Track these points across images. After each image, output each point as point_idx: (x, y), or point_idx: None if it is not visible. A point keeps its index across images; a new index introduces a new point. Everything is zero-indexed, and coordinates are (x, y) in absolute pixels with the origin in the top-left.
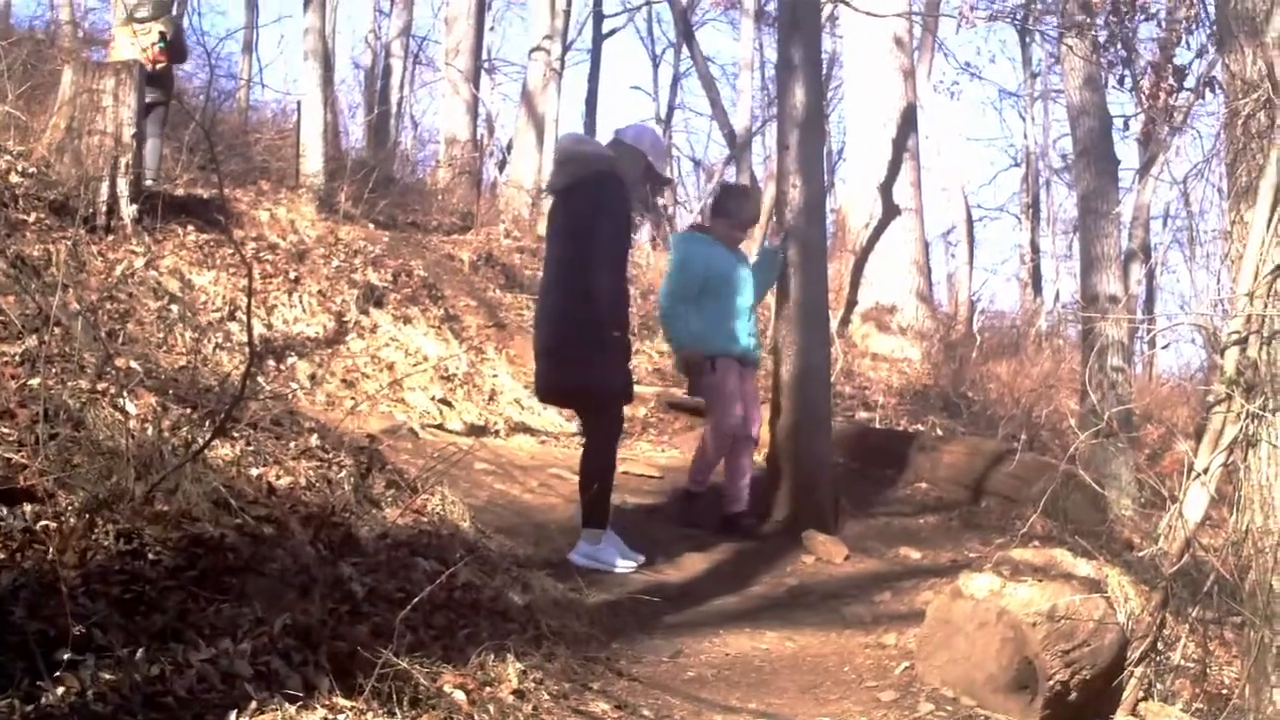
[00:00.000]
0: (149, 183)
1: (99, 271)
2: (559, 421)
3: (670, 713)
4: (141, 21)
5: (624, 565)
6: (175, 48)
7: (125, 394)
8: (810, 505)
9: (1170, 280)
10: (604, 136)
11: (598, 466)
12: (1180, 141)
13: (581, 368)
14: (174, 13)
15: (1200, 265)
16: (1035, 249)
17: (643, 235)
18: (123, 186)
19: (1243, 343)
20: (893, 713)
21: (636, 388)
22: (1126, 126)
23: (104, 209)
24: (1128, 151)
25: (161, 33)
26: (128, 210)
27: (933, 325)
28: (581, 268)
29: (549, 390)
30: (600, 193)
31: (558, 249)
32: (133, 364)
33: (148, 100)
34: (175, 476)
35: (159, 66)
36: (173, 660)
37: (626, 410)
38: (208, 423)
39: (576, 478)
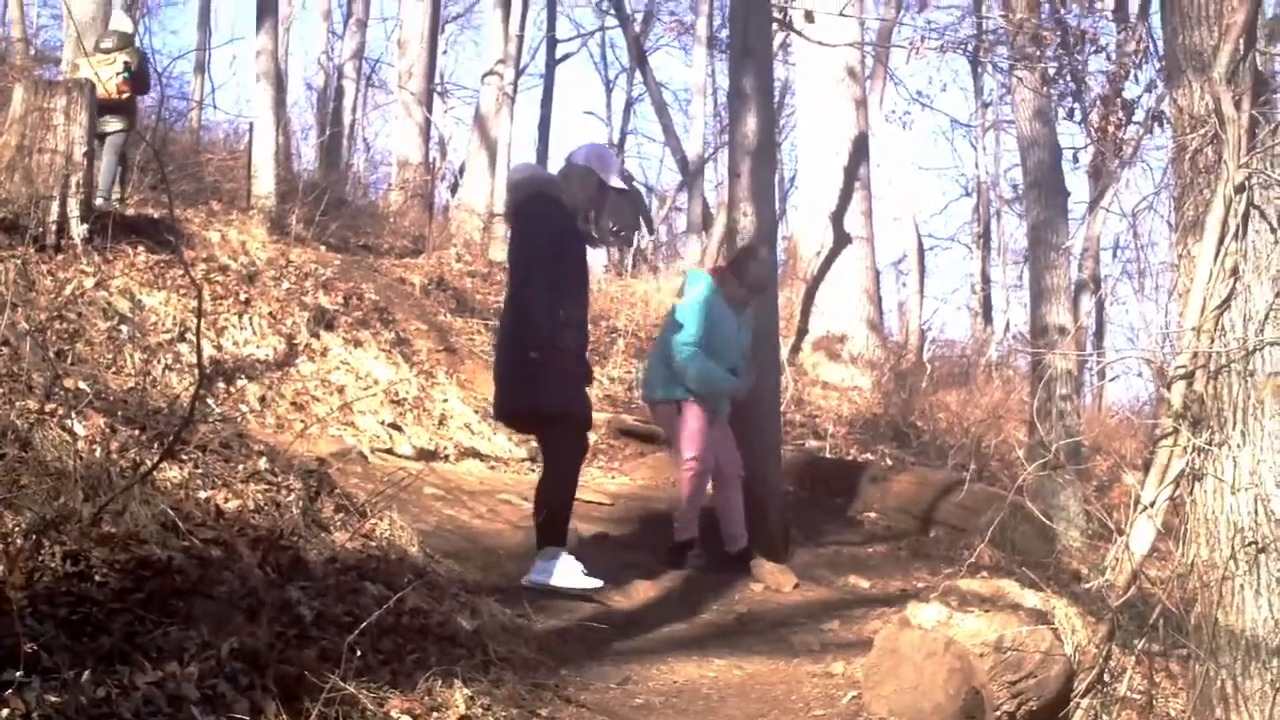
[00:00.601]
0: (99, 202)
1: (48, 291)
2: (509, 447)
3: None
4: (106, 52)
5: (582, 582)
6: (139, 78)
7: (73, 415)
8: (760, 533)
9: (1119, 312)
10: (556, 163)
11: (555, 490)
12: (1130, 174)
13: (531, 391)
14: (137, 44)
15: (1150, 298)
16: (986, 279)
17: (603, 257)
18: (73, 206)
19: (1189, 377)
20: None
21: None
22: (1076, 159)
23: (54, 228)
24: (1078, 183)
25: (126, 63)
26: (78, 230)
27: (883, 354)
28: (525, 292)
29: (503, 413)
30: (537, 216)
31: (510, 274)
32: (81, 384)
33: (111, 130)
34: (123, 498)
35: (124, 96)
36: (119, 683)
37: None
38: (156, 444)
39: (527, 503)
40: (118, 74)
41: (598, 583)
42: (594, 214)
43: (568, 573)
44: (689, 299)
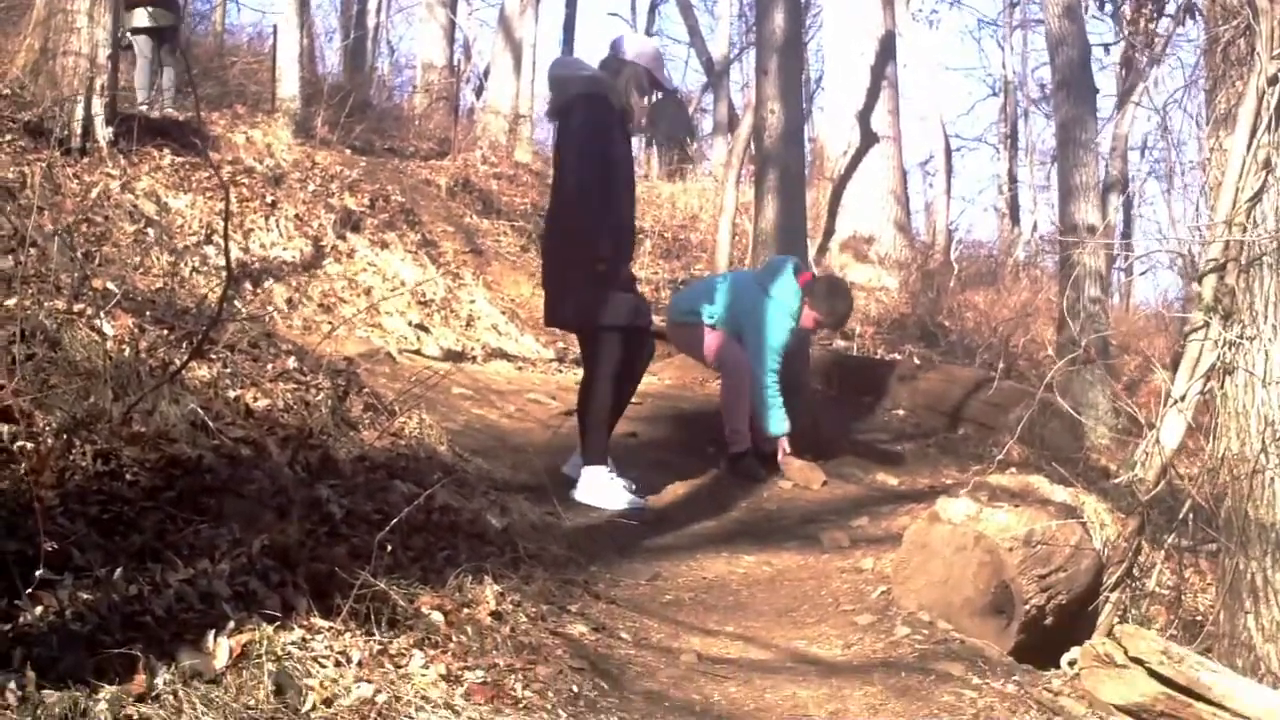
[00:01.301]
0: (170, 110)
1: (74, 194)
2: (536, 347)
3: (648, 635)
4: None
5: (620, 503)
6: None
7: (102, 315)
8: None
9: (1148, 211)
10: (585, 59)
11: (589, 400)
12: (1159, 71)
13: (572, 302)
14: None
15: (1178, 197)
16: (1013, 179)
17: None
18: (98, 108)
19: (1220, 270)
20: (869, 636)
21: None
22: (1107, 52)
23: (79, 131)
24: (1106, 82)
25: None
26: (103, 132)
27: (910, 255)
28: (568, 198)
29: (551, 321)
30: (581, 117)
31: (555, 178)
32: (109, 285)
33: (161, 24)
34: (153, 397)
35: None
36: (151, 580)
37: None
38: (185, 344)
39: (555, 402)
40: None
41: (639, 502)
42: (647, 115)
43: (607, 493)
44: (779, 300)
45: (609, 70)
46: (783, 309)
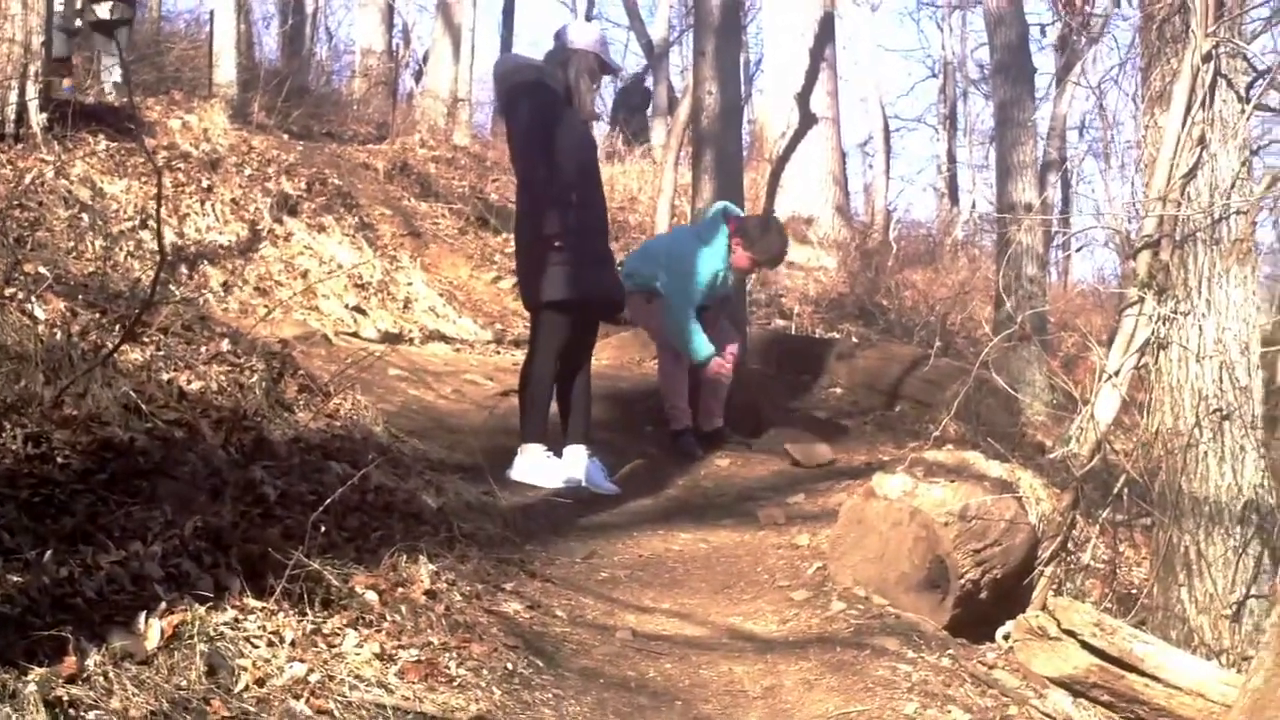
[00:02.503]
0: (109, 97)
1: (7, 180)
2: (474, 329)
3: (583, 613)
4: None
5: (541, 478)
6: None
7: (34, 299)
8: (728, 409)
9: (1085, 190)
10: (521, 48)
11: (526, 377)
12: (1097, 50)
13: (527, 283)
14: None
15: (1115, 177)
16: (952, 159)
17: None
18: (32, 94)
19: (1155, 245)
20: (805, 611)
21: None
22: (1043, 33)
23: (13, 117)
24: (1044, 62)
25: None
26: (37, 118)
27: (849, 234)
28: (520, 185)
29: (524, 303)
30: (524, 106)
31: (514, 167)
32: (41, 269)
33: (114, 16)
34: (84, 380)
35: None
36: (82, 562)
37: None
38: (118, 327)
39: (492, 383)
40: None
41: (556, 481)
42: (593, 94)
43: (543, 471)
44: (708, 245)
45: (556, 61)
46: (711, 253)
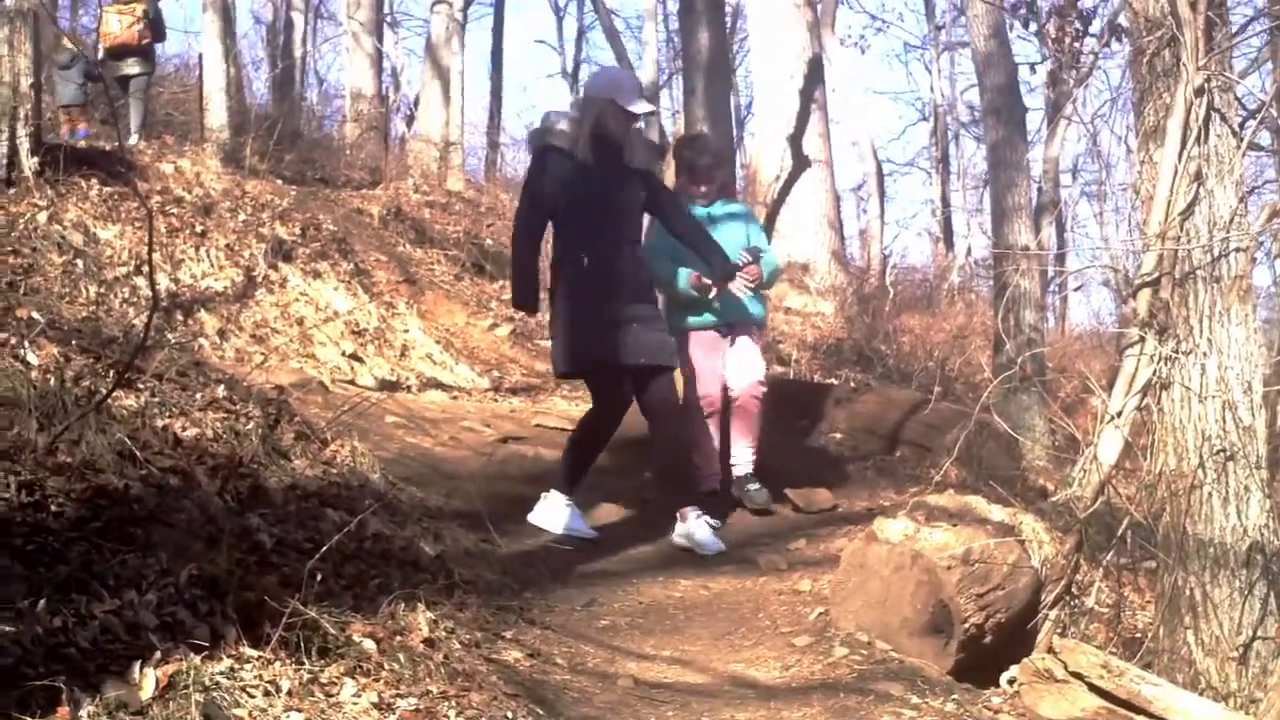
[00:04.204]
0: (131, 142)
1: (0, 225)
2: (471, 376)
3: (583, 660)
4: (126, 2)
5: (552, 524)
6: (156, 26)
7: (26, 344)
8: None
9: (1081, 234)
10: (509, 91)
11: (572, 434)
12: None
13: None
14: None
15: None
16: (946, 203)
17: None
18: (23, 138)
19: (1155, 284)
20: (807, 657)
21: (549, 343)
22: (1033, 72)
23: (4, 161)
24: (1035, 102)
25: (145, 11)
26: (28, 162)
27: (846, 279)
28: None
29: None
30: (529, 172)
31: None
32: (34, 314)
33: (133, 73)
34: (78, 427)
35: (144, 42)
36: (76, 611)
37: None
38: (111, 373)
39: (490, 430)
40: (138, 20)
41: (556, 530)
42: (622, 144)
43: (545, 511)
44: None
45: (579, 112)
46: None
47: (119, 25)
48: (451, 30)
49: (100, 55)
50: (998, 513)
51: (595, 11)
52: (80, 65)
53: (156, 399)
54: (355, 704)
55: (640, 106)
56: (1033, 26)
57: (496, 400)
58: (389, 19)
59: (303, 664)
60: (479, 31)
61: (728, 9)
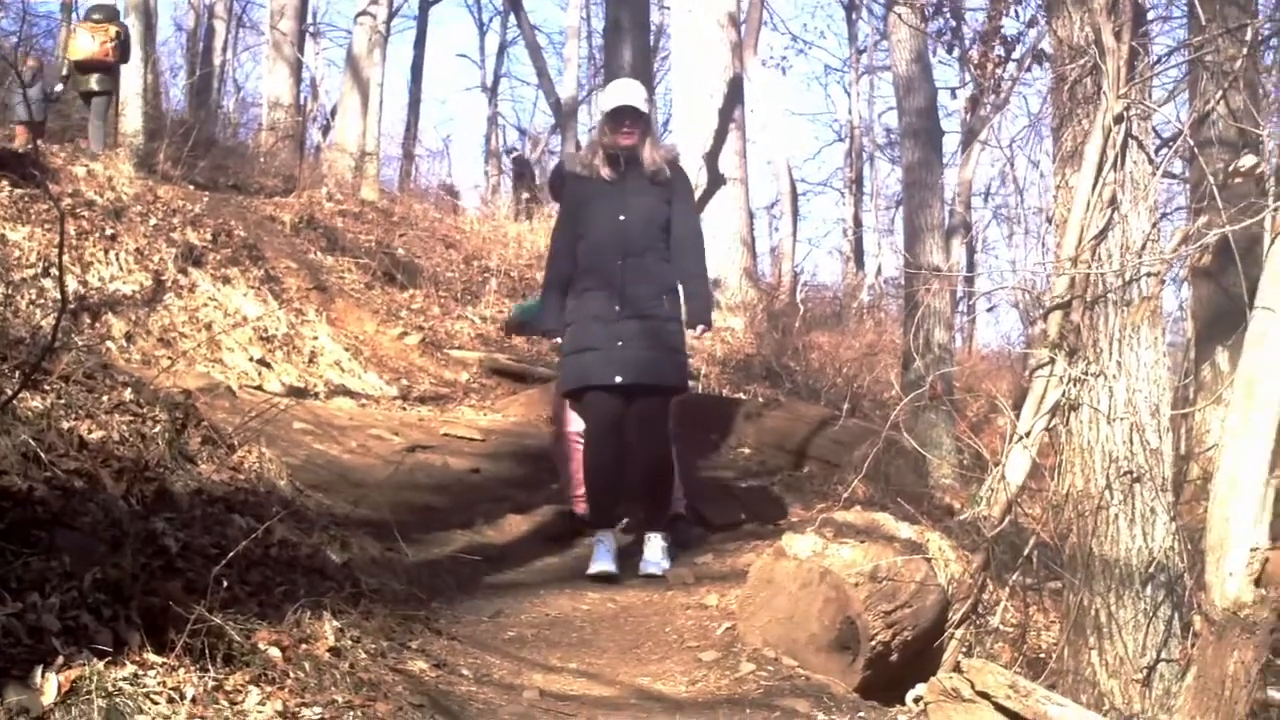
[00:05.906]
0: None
1: None
2: (380, 384)
3: (489, 672)
4: (98, 22)
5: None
6: (124, 48)
7: None
8: None
9: (990, 257)
10: (428, 104)
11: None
12: (1002, 118)
13: None
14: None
15: (1019, 244)
16: (858, 223)
17: None
18: None
19: (1066, 307)
20: (714, 672)
21: (458, 353)
22: (954, 96)
23: None
24: (951, 125)
25: (116, 32)
26: None
27: (756, 296)
28: None
29: None
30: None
31: None
32: None
33: (98, 89)
34: None
35: (110, 60)
36: None
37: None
38: (17, 374)
39: (398, 438)
40: (110, 39)
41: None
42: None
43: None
44: None
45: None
46: None
47: (91, 41)
48: (374, 42)
49: (65, 71)
50: (905, 530)
51: (519, 27)
52: (41, 83)
53: (63, 401)
54: (260, 713)
55: (607, 102)
56: (956, 51)
57: (405, 409)
58: (311, 29)
59: (207, 671)
60: (401, 44)
61: (652, 27)
